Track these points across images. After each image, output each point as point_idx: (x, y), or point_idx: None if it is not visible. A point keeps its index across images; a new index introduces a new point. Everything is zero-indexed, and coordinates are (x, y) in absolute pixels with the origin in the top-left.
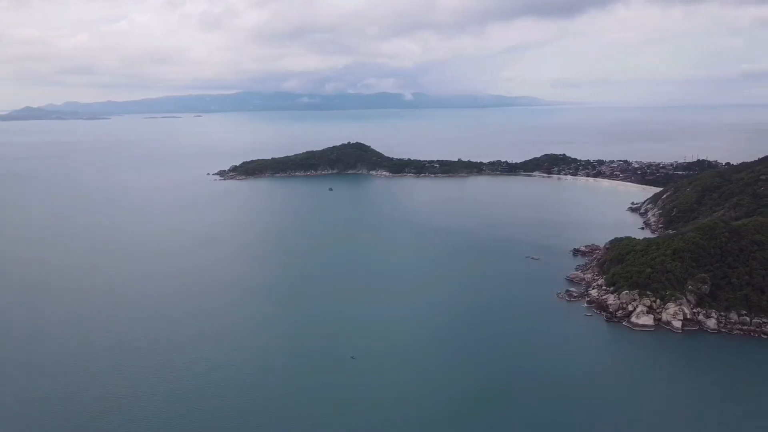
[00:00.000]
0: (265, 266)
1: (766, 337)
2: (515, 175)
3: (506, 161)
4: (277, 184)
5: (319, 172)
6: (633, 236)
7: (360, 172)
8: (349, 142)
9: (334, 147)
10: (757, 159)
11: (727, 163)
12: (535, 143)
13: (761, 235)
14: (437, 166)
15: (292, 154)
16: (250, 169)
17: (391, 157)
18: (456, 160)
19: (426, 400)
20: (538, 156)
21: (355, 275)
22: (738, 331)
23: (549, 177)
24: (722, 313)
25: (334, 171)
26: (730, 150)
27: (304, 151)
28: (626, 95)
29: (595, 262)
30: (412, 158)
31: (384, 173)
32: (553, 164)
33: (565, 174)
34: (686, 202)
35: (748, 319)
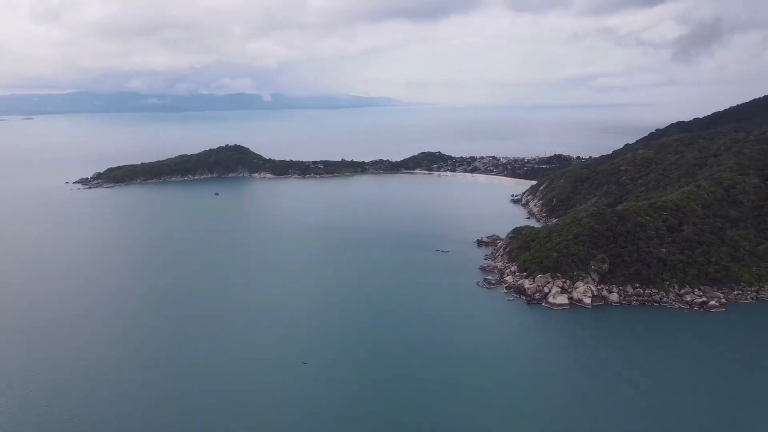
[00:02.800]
0: (181, 273)
1: (657, 304)
2: (398, 173)
3: (388, 160)
4: (153, 191)
5: (197, 177)
6: (522, 225)
7: (241, 175)
8: (227, 145)
9: (211, 150)
10: (612, 152)
11: (578, 157)
12: (403, 142)
13: (641, 217)
14: (321, 166)
15: (164, 158)
16: (119, 176)
17: (272, 158)
18: (339, 160)
19: (382, 400)
20: (416, 154)
21: (279, 277)
22: (635, 302)
23: (430, 174)
24: (621, 288)
25: (214, 175)
26: (575, 145)
27: (177, 155)
28: (472, 96)
29: (501, 250)
30: (294, 159)
31: (268, 175)
32: (432, 161)
33: (445, 171)
34: (563, 192)
35: (641, 290)
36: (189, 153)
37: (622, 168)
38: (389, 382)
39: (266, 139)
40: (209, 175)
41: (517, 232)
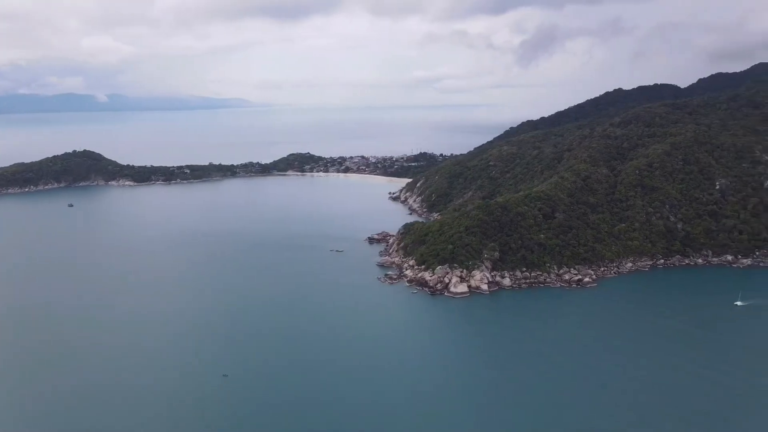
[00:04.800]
0: (60, 294)
1: (542, 285)
2: (270, 175)
3: (258, 162)
4: None
5: (40, 187)
6: (406, 221)
7: (95, 183)
8: (75, 151)
9: (56, 157)
10: (474, 149)
11: (441, 154)
12: (270, 144)
13: (521, 207)
14: (188, 171)
15: None
16: None
17: (131, 164)
18: (207, 164)
19: (305, 408)
20: (286, 155)
21: (175, 289)
22: (525, 284)
23: (303, 175)
24: (511, 272)
25: (62, 184)
26: (433, 143)
27: (12, 163)
28: (327, 97)
29: (395, 246)
30: (155, 165)
31: (128, 182)
32: (303, 163)
33: (318, 171)
34: (440, 188)
35: (528, 273)
36: (26, 161)
37: (491, 163)
38: (311, 388)
39: (108, 143)
40: (56, 185)
41: (408, 227)
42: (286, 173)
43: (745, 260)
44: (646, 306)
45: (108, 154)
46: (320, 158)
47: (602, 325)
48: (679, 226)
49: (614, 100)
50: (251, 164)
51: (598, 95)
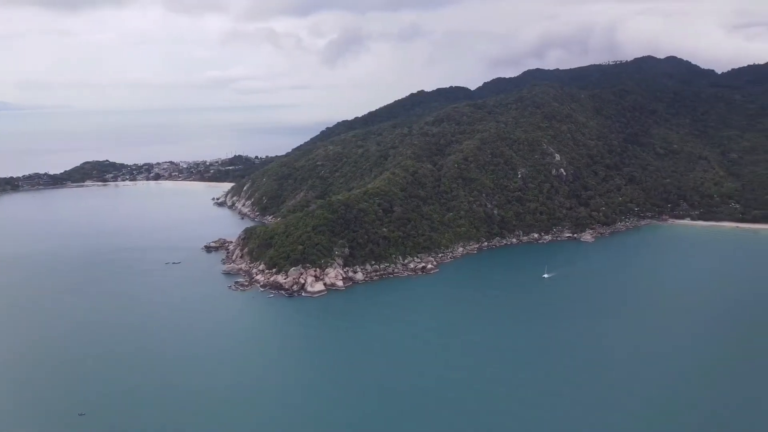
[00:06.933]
0: None
1: (391, 275)
2: (63, 187)
3: (47, 173)
4: None
5: None
6: (238, 226)
7: None
8: None
9: None
10: (291, 150)
11: (257, 157)
12: (55, 152)
13: (362, 204)
14: None
15: None
16: None
17: None
18: None
19: None
20: (80, 164)
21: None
22: (376, 277)
23: (106, 185)
24: (362, 267)
25: None
26: (248, 145)
27: None
28: (110, 99)
29: (239, 251)
30: None
31: None
32: (104, 171)
33: (123, 180)
34: (270, 190)
35: (378, 266)
36: None
37: (318, 163)
38: (178, 418)
39: None
40: None
41: (249, 231)
42: (84, 184)
43: (546, 236)
44: (478, 284)
45: None
46: (123, 165)
47: (445, 305)
48: (495, 211)
49: (419, 100)
50: (37, 175)
51: (403, 96)
